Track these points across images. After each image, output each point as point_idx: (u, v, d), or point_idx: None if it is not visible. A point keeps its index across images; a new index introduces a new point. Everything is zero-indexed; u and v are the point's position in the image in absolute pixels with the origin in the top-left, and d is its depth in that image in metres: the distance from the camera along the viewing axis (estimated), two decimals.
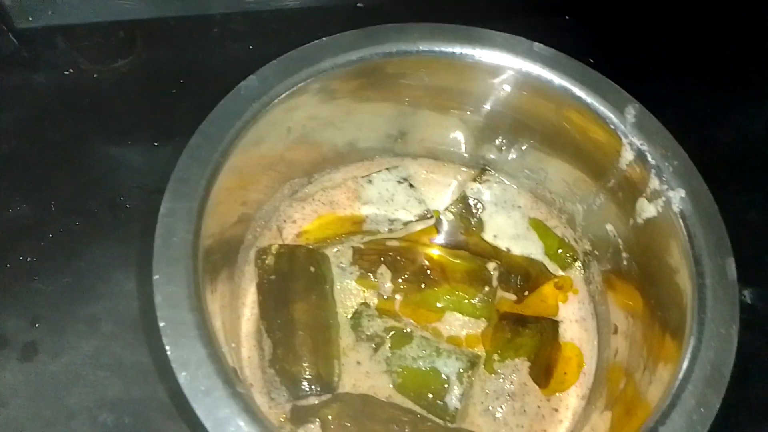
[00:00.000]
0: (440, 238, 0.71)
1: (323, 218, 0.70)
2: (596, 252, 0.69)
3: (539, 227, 0.72)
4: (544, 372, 0.65)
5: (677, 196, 0.56)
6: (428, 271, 0.67)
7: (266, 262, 0.64)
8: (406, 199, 0.71)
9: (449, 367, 0.61)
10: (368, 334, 0.63)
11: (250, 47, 0.88)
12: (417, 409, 0.61)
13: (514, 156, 0.71)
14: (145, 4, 0.87)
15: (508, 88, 0.64)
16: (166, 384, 0.64)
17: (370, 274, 0.67)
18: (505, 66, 0.62)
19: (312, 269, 0.64)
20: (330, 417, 0.58)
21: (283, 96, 0.58)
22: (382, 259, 0.67)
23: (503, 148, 0.71)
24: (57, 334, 0.66)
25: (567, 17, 0.96)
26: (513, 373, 0.64)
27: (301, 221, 0.70)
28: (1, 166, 0.76)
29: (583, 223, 0.70)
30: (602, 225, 0.66)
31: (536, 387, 0.64)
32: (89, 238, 0.72)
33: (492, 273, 0.67)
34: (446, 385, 0.60)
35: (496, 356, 0.64)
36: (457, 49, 0.61)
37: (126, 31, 0.87)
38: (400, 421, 0.59)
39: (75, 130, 0.79)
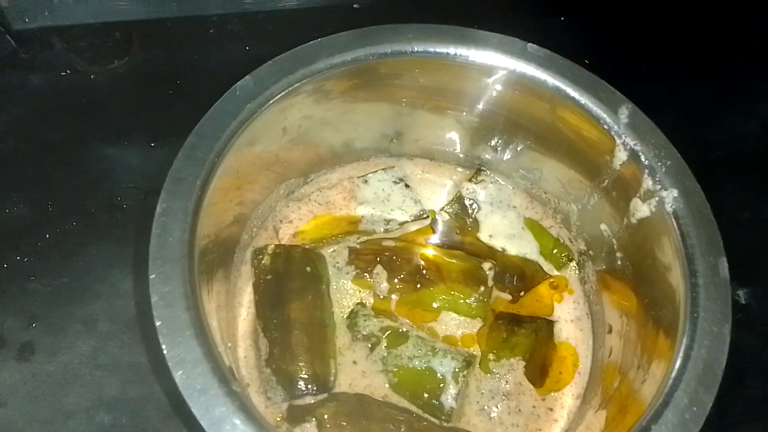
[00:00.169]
0: (436, 238, 0.72)
1: (319, 218, 0.70)
2: (591, 252, 0.69)
3: (534, 227, 0.72)
4: (539, 371, 0.65)
5: (670, 196, 0.57)
6: (424, 271, 0.67)
7: (262, 261, 0.65)
8: (402, 199, 0.71)
9: (445, 366, 0.61)
10: (364, 333, 0.63)
11: (247, 48, 0.88)
12: (413, 408, 0.61)
13: (509, 156, 0.71)
14: (142, 5, 0.88)
15: (502, 89, 0.64)
16: (162, 383, 0.65)
17: (366, 274, 0.67)
18: (499, 66, 0.62)
19: (308, 269, 0.65)
20: (326, 416, 0.58)
21: (278, 96, 0.58)
22: (378, 259, 0.67)
23: (498, 149, 0.71)
24: (54, 334, 0.67)
25: (562, 18, 0.96)
26: (508, 373, 0.64)
27: (297, 221, 0.70)
28: None
29: (578, 222, 0.70)
30: (596, 225, 0.67)
31: (531, 386, 0.64)
32: (86, 238, 0.72)
33: (487, 273, 0.67)
34: (442, 385, 0.60)
35: (491, 356, 0.65)
36: (452, 50, 0.62)
37: (122, 32, 0.87)
38: (396, 420, 0.59)
39: (71, 130, 0.79)
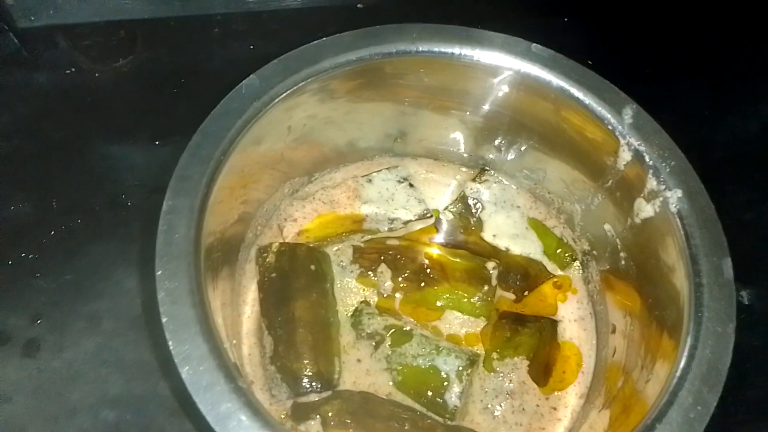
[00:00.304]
0: (440, 238, 0.72)
1: (323, 217, 0.71)
2: (594, 252, 0.69)
3: (538, 227, 0.72)
4: (543, 371, 0.65)
5: (674, 196, 0.57)
6: (428, 270, 0.68)
7: (267, 260, 0.65)
8: (406, 198, 0.72)
9: (449, 365, 0.61)
10: (368, 332, 0.63)
11: (251, 47, 0.88)
12: (417, 406, 0.61)
13: (513, 156, 0.71)
14: (146, 4, 0.88)
15: (506, 89, 0.64)
16: (167, 380, 0.65)
17: (370, 272, 0.67)
18: (504, 66, 0.62)
19: (312, 267, 0.65)
20: (330, 414, 0.58)
21: (283, 95, 0.59)
22: (382, 257, 0.68)
23: (502, 149, 0.71)
24: (59, 331, 0.67)
25: (566, 19, 0.96)
26: (512, 372, 0.64)
27: (301, 220, 0.70)
28: (2, 164, 0.76)
29: (582, 223, 0.70)
30: (600, 225, 0.67)
31: (535, 386, 0.64)
32: (90, 235, 0.72)
33: (491, 272, 0.67)
34: (446, 383, 0.61)
35: (495, 355, 0.65)
36: (456, 50, 0.62)
37: (127, 30, 0.87)
38: (400, 418, 0.59)
39: (76, 129, 0.79)
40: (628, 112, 0.60)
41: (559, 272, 0.71)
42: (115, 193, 0.75)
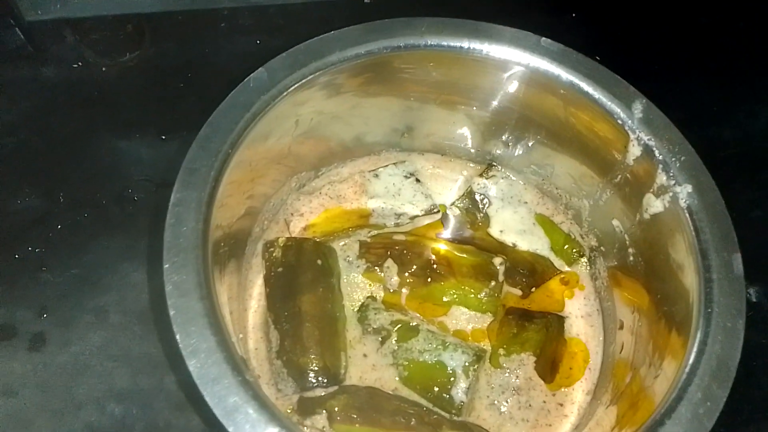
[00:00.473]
0: (447, 233, 0.72)
1: (330, 212, 0.70)
2: (602, 248, 0.69)
3: (545, 223, 0.72)
4: (549, 367, 0.65)
5: (684, 191, 0.56)
6: (434, 266, 0.67)
7: (274, 254, 0.65)
8: (413, 193, 0.71)
9: (455, 360, 0.61)
10: (375, 327, 0.63)
11: (258, 42, 0.88)
12: (423, 401, 0.61)
13: (521, 151, 0.71)
14: None
15: (515, 83, 0.64)
16: (173, 374, 0.65)
17: (376, 267, 0.67)
18: (513, 61, 0.62)
19: (319, 262, 0.65)
20: (336, 408, 0.58)
21: (291, 89, 0.58)
22: (388, 252, 0.67)
23: (510, 144, 0.71)
24: (65, 325, 0.67)
25: (573, 14, 0.96)
26: (518, 368, 0.64)
27: (308, 215, 0.70)
28: (9, 158, 0.76)
29: (590, 218, 0.70)
30: (608, 221, 0.66)
31: (542, 382, 0.64)
32: (97, 230, 0.72)
33: (498, 268, 0.67)
34: (452, 379, 0.60)
35: (501, 351, 0.65)
36: (465, 44, 0.62)
37: (134, 24, 0.87)
38: (406, 413, 0.59)
39: (83, 123, 0.79)
40: (638, 107, 0.59)
41: (567, 268, 0.71)
42: (122, 188, 0.75)
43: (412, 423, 0.58)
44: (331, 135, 0.70)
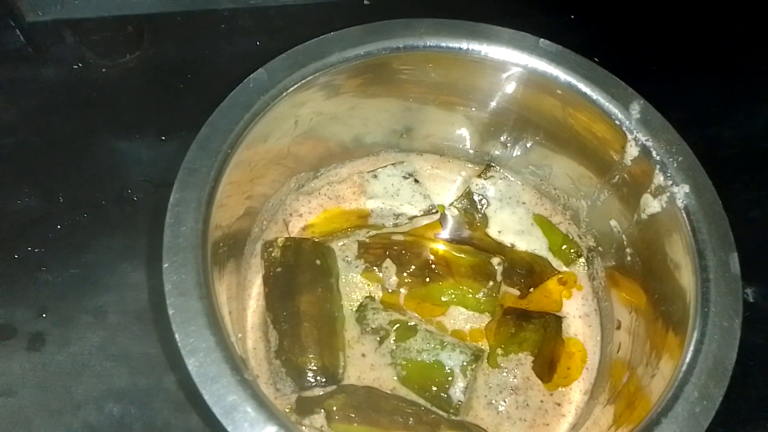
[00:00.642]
0: (445, 233, 0.72)
1: (329, 212, 0.71)
2: (600, 248, 0.69)
3: (543, 223, 0.72)
4: (547, 367, 0.65)
5: (682, 192, 0.57)
6: (433, 266, 0.68)
7: (273, 254, 0.65)
8: (411, 194, 0.72)
9: (453, 360, 0.61)
10: (373, 326, 0.63)
11: (257, 43, 0.88)
12: (421, 401, 0.61)
13: (519, 152, 0.71)
14: None
15: (513, 84, 0.64)
16: (172, 374, 0.65)
17: (375, 267, 0.67)
18: (511, 62, 0.62)
19: (318, 262, 0.65)
20: (335, 408, 0.58)
21: (291, 90, 0.59)
22: (387, 253, 0.68)
23: (508, 145, 0.71)
24: (64, 325, 0.67)
25: (572, 16, 0.96)
26: (516, 368, 0.64)
27: (307, 215, 0.70)
28: (9, 158, 0.77)
29: (587, 219, 0.70)
30: (606, 221, 0.67)
31: (539, 381, 0.64)
32: (96, 230, 0.73)
33: (496, 268, 0.67)
34: (450, 378, 0.61)
35: (499, 350, 0.65)
36: (464, 45, 0.62)
37: (134, 25, 0.87)
38: (404, 412, 0.59)
39: (82, 123, 0.80)
40: (636, 108, 0.59)
41: (564, 268, 0.71)
42: (121, 188, 0.75)
43: (410, 422, 0.58)
44: (330, 136, 0.70)
